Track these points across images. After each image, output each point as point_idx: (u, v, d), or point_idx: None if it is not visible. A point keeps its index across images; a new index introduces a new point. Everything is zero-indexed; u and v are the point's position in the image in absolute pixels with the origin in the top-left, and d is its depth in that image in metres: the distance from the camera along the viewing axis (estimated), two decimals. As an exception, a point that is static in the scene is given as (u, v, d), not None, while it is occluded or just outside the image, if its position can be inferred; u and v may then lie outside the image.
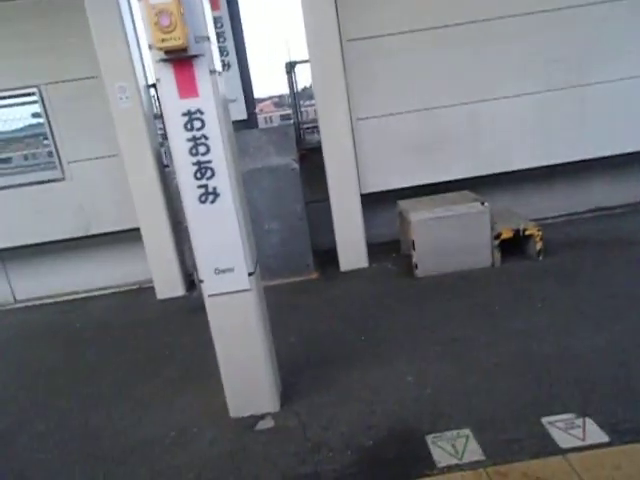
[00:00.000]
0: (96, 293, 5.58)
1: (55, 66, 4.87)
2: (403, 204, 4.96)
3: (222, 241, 2.64)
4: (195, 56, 2.41)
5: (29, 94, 4.93)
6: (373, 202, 5.21)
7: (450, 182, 5.16)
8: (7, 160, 5.52)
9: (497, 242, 4.55)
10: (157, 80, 2.49)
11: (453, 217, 4.54)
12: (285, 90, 5.94)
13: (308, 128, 6.54)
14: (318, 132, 5.09)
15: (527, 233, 4.57)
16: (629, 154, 5.23)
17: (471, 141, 5.09)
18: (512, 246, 4.66)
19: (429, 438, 2.51)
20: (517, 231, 4.57)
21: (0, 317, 5.41)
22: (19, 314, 5.43)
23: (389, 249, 5.44)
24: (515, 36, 4.88)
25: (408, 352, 3.41)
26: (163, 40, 2.27)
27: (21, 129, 5.33)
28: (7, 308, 5.59)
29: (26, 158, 5.57)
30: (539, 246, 4.58)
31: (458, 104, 5.01)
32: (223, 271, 2.69)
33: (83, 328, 4.76)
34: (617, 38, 4.98)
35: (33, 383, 3.83)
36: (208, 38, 2.44)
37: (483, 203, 4.53)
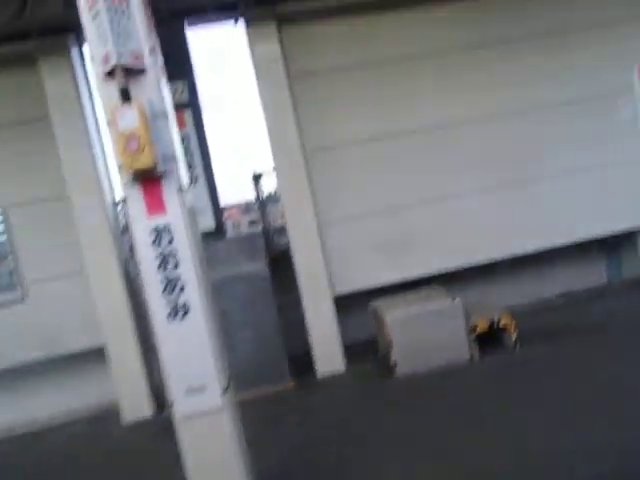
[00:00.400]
0: (58, 421, 5.14)
1: (21, 188, 4.90)
2: (377, 304, 4.95)
3: (193, 358, 2.53)
4: (163, 175, 2.47)
5: (-7, 216, 4.88)
6: (346, 303, 5.18)
7: (422, 280, 5.22)
8: None
9: (473, 336, 4.53)
10: (125, 199, 2.51)
11: (427, 314, 4.53)
12: (252, 196, 6.10)
13: (277, 231, 6.64)
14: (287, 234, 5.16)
15: (502, 324, 4.58)
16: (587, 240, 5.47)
17: (435, 237, 5.24)
18: (489, 337, 4.64)
19: None
20: (492, 323, 4.58)
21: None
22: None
23: (366, 349, 5.31)
24: (469, 138, 5.26)
25: (395, 463, 3.20)
26: (132, 163, 2.33)
27: None
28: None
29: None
30: (514, 337, 4.58)
31: (420, 202, 5.23)
32: (194, 390, 2.55)
33: (41, 464, 4.31)
34: (559, 136, 5.41)
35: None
36: (175, 158, 2.52)
37: (454, 299, 4.57)
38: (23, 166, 4.88)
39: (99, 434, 4.74)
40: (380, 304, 4.89)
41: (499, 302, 5.06)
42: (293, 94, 4.93)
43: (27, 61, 4.67)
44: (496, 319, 4.61)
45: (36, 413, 5.21)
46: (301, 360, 5.08)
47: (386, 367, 4.66)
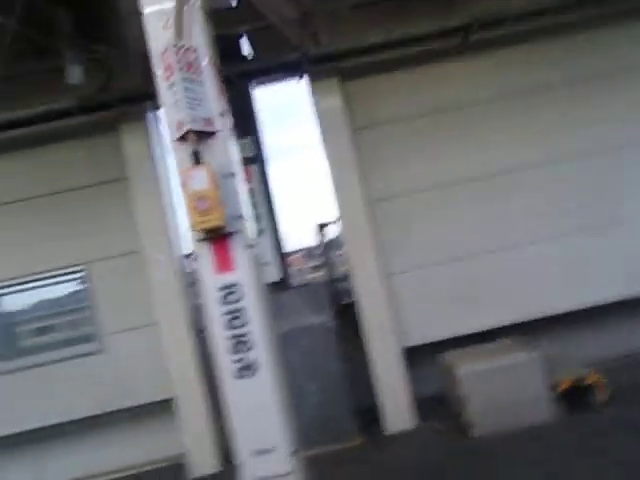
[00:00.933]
0: (126, 473, 5.20)
1: (101, 244, 5.19)
2: (446, 357, 4.72)
3: (262, 418, 2.48)
4: (231, 233, 2.52)
5: (76, 271, 5.19)
6: (418, 354, 4.98)
7: (493, 331, 4.95)
8: (51, 328, 5.67)
9: (555, 394, 4.18)
10: (195, 257, 2.57)
11: (502, 368, 4.25)
12: (315, 241, 6.17)
13: (341, 280, 6.59)
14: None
15: (589, 381, 4.21)
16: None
17: (505, 287, 5.01)
18: (571, 395, 4.26)
19: None
20: (577, 380, 4.22)
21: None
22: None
23: (435, 404, 5.03)
24: (536, 186, 5.06)
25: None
26: (202, 222, 2.40)
27: (66, 298, 5.56)
28: (33, 494, 5.22)
29: (69, 327, 5.70)
30: (603, 397, 4.18)
31: (486, 251, 5.04)
32: (263, 452, 2.48)
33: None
34: (632, 178, 5.11)
35: None
36: (243, 216, 2.57)
37: (531, 351, 4.26)
38: (102, 224, 5.20)
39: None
40: (450, 357, 4.65)
41: (580, 355, 4.68)
42: (356, 145, 5.00)
43: (108, 127, 5.05)
44: (582, 376, 4.24)
45: (102, 465, 5.29)
46: (368, 415, 4.88)
47: (458, 425, 4.38)
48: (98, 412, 5.09)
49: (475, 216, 5.09)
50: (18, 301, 5.61)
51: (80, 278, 5.24)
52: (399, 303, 4.95)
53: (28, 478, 5.33)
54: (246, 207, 2.76)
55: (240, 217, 2.54)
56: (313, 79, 5.03)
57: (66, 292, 5.59)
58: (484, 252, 5.04)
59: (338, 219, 5.00)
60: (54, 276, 5.24)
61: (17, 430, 5.09)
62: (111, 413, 5.13)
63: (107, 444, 5.35)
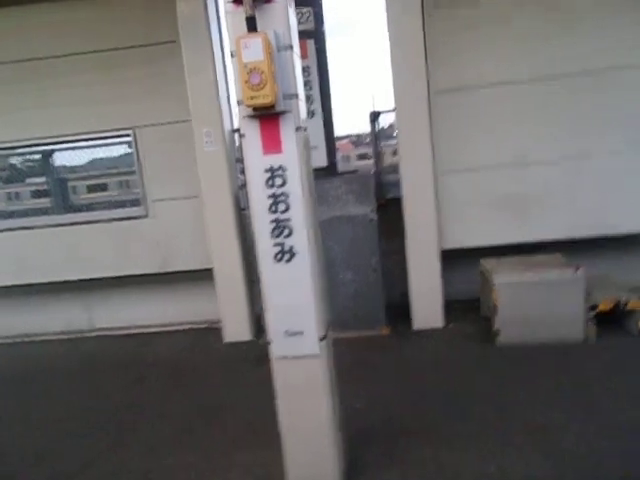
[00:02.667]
0: (167, 329, 5.65)
1: (149, 110, 5.11)
2: (486, 263, 4.64)
3: (295, 303, 2.51)
4: (282, 113, 2.36)
5: (125, 135, 5.18)
6: (454, 257, 4.92)
7: (540, 244, 4.78)
8: (104, 187, 5.90)
9: (592, 314, 4.10)
10: (242, 135, 2.45)
11: (542, 283, 4.15)
12: (363, 129, 5.92)
13: (388, 171, 6.41)
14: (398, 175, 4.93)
15: (629, 307, 4.09)
16: None
17: (569, 200, 4.68)
18: (609, 319, 4.18)
19: None
20: (617, 304, 4.10)
21: (77, 344, 5.60)
22: (95, 342, 5.60)
23: (467, 309, 5.09)
24: (625, 87, 4.52)
25: (489, 435, 3.06)
26: (252, 97, 2.23)
27: (118, 159, 5.69)
28: (85, 335, 5.79)
29: (120, 186, 5.91)
30: (642, 322, 4.08)
31: (555, 159, 4.66)
32: (293, 334, 2.55)
33: (151, 365, 4.78)
34: None
35: (100, 420, 3.83)
36: (296, 95, 2.38)
37: (577, 269, 4.12)
38: (151, 88, 5.06)
39: (201, 346, 5.13)
40: (491, 264, 4.57)
41: (632, 283, 4.49)
42: (425, 27, 4.49)
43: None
44: (623, 300, 4.12)
45: (148, 320, 5.75)
46: (398, 310, 4.99)
47: (487, 331, 4.43)
48: (140, 272, 5.40)
49: (541, 121, 4.64)
50: (71, 160, 5.77)
51: (128, 143, 5.25)
52: (445, 203, 4.77)
53: (79, 319, 5.86)
54: (301, 86, 2.56)
55: (294, 96, 2.36)
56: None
57: (116, 155, 5.69)
58: (550, 160, 4.66)
59: (394, 108, 4.67)
60: (102, 137, 5.27)
61: (69, 278, 5.51)
62: (154, 275, 5.44)
63: (151, 301, 5.76)
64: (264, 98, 2.21)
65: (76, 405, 4.13)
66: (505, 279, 4.23)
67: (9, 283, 5.58)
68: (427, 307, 4.81)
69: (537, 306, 4.16)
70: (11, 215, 5.74)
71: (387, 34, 4.52)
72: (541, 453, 2.83)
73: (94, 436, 3.59)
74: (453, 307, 5.00)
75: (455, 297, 5.13)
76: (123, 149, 5.52)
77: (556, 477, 2.63)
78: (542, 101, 4.61)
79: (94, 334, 5.79)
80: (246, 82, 2.21)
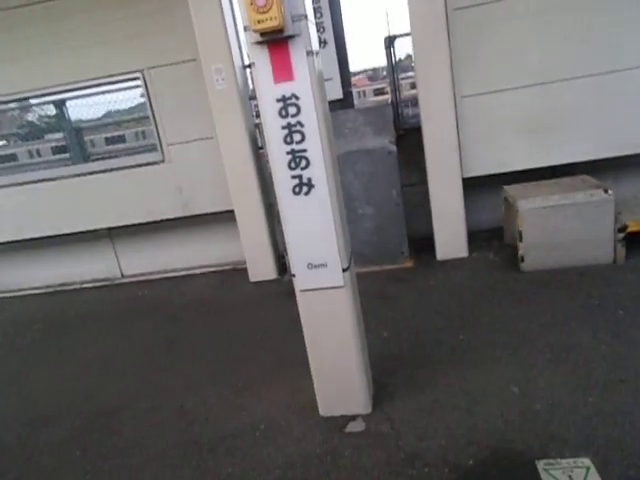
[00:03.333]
0: (195, 272, 5.76)
1: (156, 51, 4.95)
2: (510, 190, 4.52)
3: (316, 235, 2.50)
4: (291, 37, 2.24)
5: (134, 79, 5.08)
6: (475, 186, 4.81)
7: (566, 166, 4.61)
8: (121, 139, 5.91)
9: (622, 236, 4.00)
10: (252, 64, 2.35)
11: (569, 206, 4.04)
12: (378, 63, 5.65)
13: (406, 105, 6.19)
14: (417, 108, 4.75)
15: (659, 227, 3.98)
16: None
17: (596, 119, 4.45)
18: (638, 240, 4.08)
19: (540, 464, 2.23)
20: (647, 225, 3.99)
21: (109, 291, 5.78)
22: (125, 289, 5.76)
23: (491, 237, 5.03)
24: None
25: (512, 357, 3.09)
26: (258, 21, 2.12)
27: (131, 109, 5.67)
28: (115, 283, 5.95)
29: (137, 137, 5.93)
30: (674, 242, 3.97)
31: (580, 76, 4.40)
32: (316, 266, 2.56)
33: (182, 306, 4.92)
34: None
35: (139, 360, 4.00)
36: (306, 17, 2.25)
37: (607, 190, 3.98)
38: (158, 27, 4.87)
39: (228, 286, 5.23)
40: (514, 190, 4.45)
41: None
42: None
43: None
44: (653, 220, 4.00)
45: (176, 264, 5.86)
46: (422, 242, 4.96)
47: (512, 258, 4.39)
48: (162, 217, 5.46)
49: (565, 36, 4.34)
50: (83, 109, 5.74)
51: (138, 86, 5.15)
52: (467, 128, 4.60)
53: (108, 267, 6.03)
54: (310, 8, 2.41)
55: (302, 17, 2.23)
56: None
57: (128, 101, 5.63)
58: (568, 78, 4.41)
59: (410, 30, 4.42)
60: (112, 82, 5.17)
61: (90, 228, 5.62)
62: (177, 219, 5.49)
63: (176, 246, 5.85)
64: (271, 20, 2.10)
65: (116, 347, 4.31)
66: (530, 204, 4.12)
67: (37, 235, 5.70)
68: (450, 237, 4.76)
69: (564, 230, 4.07)
70: (33, 169, 5.80)
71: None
72: (565, 373, 2.85)
73: (133, 375, 3.77)
74: (476, 236, 4.95)
75: (478, 226, 5.07)
76: (137, 98, 5.46)
77: (580, 395, 2.65)
78: (567, 13, 4.29)
79: (125, 280, 5.95)
80: (251, 4, 2.09)
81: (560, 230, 4.09)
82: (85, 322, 4.99)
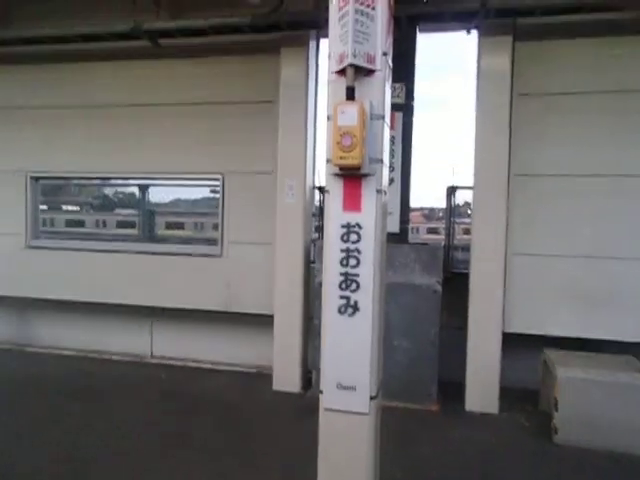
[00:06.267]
0: (220, 367, 5.77)
1: (239, 158, 5.50)
2: (551, 354, 4.45)
3: (352, 356, 2.56)
4: (366, 175, 2.52)
5: (213, 179, 5.61)
6: (515, 341, 4.76)
7: (610, 342, 4.54)
8: (180, 225, 6.38)
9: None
10: (326, 191, 2.63)
11: (612, 385, 3.92)
12: (435, 204, 6.00)
13: (456, 249, 6.41)
14: (467, 253, 4.93)
15: None
16: None
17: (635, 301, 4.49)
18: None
19: None
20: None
21: (135, 368, 5.84)
22: (151, 369, 5.80)
23: (524, 398, 4.85)
24: None
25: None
26: (341, 157, 2.42)
27: (196, 201, 6.22)
28: (143, 361, 6.03)
29: (196, 227, 6.39)
30: None
31: (631, 256, 4.52)
32: (345, 387, 2.58)
33: (198, 400, 4.88)
34: None
35: (152, 443, 3.94)
36: (381, 160, 2.55)
37: (652, 376, 3.87)
38: (245, 140, 5.47)
39: (249, 390, 5.18)
40: (556, 355, 4.38)
41: None
42: (514, 112, 4.63)
43: (271, 49, 5.18)
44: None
45: (199, 353, 5.94)
46: (451, 386, 4.84)
47: (545, 427, 4.19)
48: (205, 308, 5.63)
49: (621, 217, 4.56)
50: (161, 195, 6.33)
51: (215, 186, 5.67)
52: (514, 284, 4.70)
53: (137, 343, 6.17)
54: (386, 153, 2.73)
55: (379, 161, 2.52)
56: (484, 33, 4.67)
57: (201, 196, 6.19)
58: (619, 257, 4.53)
59: (473, 185, 4.76)
60: (194, 179, 5.76)
61: (137, 303, 5.85)
62: (218, 312, 5.65)
63: (206, 338, 5.97)
64: (352, 159, 2.39)
65: (133, 424, 4.31)
66: (570, 373, 4.03)
67: (90, 300, 5.97)
68: (482, 390, 4.64)
69: (604, 408, 3.91)
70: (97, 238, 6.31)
71: (474, 113, 4.70)
72: None
73: (141, 455, 3.70)
74: (510, 394, 4.79)
75: (513, 384, 4.92)
76: (205, 192, 6.02)
77: None
78: (625, 197, 4.53)
79: (153, 361, 6.02)
80: (338, 143, 2.41)
81: (599, 408, 3.92)
82: (108, 393, 5.02)
